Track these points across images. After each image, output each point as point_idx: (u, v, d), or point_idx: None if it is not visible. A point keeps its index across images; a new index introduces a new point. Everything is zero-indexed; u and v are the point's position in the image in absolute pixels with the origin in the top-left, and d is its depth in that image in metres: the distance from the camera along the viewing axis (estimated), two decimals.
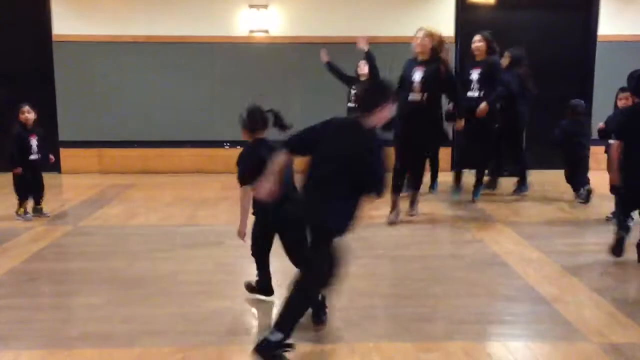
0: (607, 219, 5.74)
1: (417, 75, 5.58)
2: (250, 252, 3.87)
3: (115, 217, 6.13)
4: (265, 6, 8.55)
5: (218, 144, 8.81)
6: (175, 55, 8.59)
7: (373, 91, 3.23)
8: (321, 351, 3.17)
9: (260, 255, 3.79)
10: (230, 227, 5.68)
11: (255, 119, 3.74)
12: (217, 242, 5.16)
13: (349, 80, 7.24)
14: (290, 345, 2.99)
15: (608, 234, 5.03)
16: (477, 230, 5.58)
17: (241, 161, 3.70)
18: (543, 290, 4.00)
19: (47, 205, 6.18)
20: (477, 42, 6.65)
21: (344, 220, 3.02)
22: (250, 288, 3.94)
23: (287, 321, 2.99)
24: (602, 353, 3.14)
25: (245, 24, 8.63)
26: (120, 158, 8.77)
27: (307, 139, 3.13)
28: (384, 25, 8.51)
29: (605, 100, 6.82)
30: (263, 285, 3.86)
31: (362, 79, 7.00)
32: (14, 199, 5.99)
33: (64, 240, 5.28)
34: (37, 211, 6.08)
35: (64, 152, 8.65)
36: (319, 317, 3.42)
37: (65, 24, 8.50)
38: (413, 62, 5.73)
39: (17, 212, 5.94)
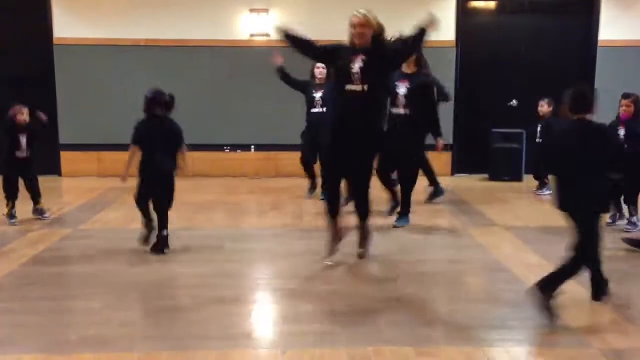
0: (607, 224, 5.72)
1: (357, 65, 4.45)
2: None
3: (114, 221, 6.11)
4: (266, 10, 8.55)
5: (218, 147, 8.80)
6: (175, 59, 8.58)
7: (587, 93, 3.82)
8: (320, 355, 3.15)
9: (144, 206, 5.10)
10: (230, 231, 5.71)
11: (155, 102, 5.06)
12: (216, 246, 5.15)
13: (306, 85, 7.04)
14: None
15: (608, 240, 5.02)
16: (477, 234, 5.56)
17: (137, 129, 5.08)
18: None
19: (45, 208, 6.15)
20: None
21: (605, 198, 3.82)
22: (154, 248, 4.92)
23: (555, 281, 3.62)
24: (604, 358, 3.12)
25: (246, 27, 8.63)
26: (120, 161, 8.59)
27: None
28: (386, 29, 8.48)
29: (605, 104, 6.78)
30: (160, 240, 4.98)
31: (320, 82, 6.91)
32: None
33: (62, 244, 5.27)
34: (38, 212, 6.06)
35: (64, 155, 8.65)
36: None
37: (66, 27, 8.50)
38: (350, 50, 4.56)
39: (4, 214, 5.91)
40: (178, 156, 5.10)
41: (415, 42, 4.67)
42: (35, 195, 6.06)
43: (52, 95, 8.53)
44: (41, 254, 4.92)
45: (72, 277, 4.49)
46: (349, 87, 4.43)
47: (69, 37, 8.49)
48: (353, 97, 4.45)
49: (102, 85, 8.59)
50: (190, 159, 9.21)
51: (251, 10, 8.56)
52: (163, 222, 5.02)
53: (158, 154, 4.98)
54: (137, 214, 6.38)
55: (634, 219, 5.69)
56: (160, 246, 4.96)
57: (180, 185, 8.14)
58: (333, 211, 4.70)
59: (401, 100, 5.71)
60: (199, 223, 6.04)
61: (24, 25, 8.58)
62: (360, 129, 4.48)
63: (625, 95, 5.69)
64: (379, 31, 4.55)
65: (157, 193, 5.05)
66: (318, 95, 6.97)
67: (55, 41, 8.51)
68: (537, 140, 7.57)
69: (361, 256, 4.76)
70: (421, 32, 4.52)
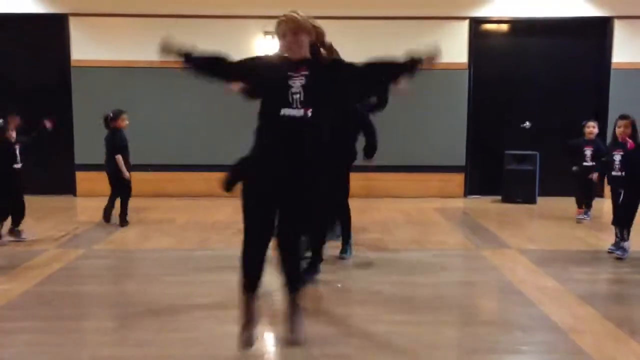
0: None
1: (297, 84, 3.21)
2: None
3: (128, 241, 6.15)
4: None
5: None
6: (189, 81, 8.58)
7: None
8: None
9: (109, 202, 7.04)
10: None
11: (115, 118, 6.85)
12: (229, 267, 5.13)
13: None
14: None
15: (624, 263, 4.99)
16: (491, 257, 5.54)
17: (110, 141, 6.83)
18: (559, 319, 3.95)
19: (59, 228, 6.20)
20: None
21: None
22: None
23: None
24: None
25: (260, 50, 8.72)
26: (134, 182, 8.79)
27: None
28: (398, 52, 8.55)
29: None
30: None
31: None
32: (26, 222, 6.02)
33: (77, 264, 5.30)
34: (15, 234, 5.96)
35: (79, 175, 8.74)
36: None
37: (83, 49, 8.65)
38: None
39: None
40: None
41: (396, 73, 3.43)
42: (18, 215, 5.95)
43: (68, 115, 8.65)
44: (56, 274, 4.95)
45: (87, 296, 4.51)
46: (286, 111, 3.20)
47: (86, 59, 8.64)
48: (292, 125, 3.20)
49: (118, 106, 8.65)
50: (206, 180, 9.31)
51: (265, 33, 8.66)
52: (122, 210, 6.86)
53: (106, 158, 6.83)
54: (150, 233, 6.50)
55: (626, 244, 5.50)
56: (122, 224, 6.78)
57: (193, 205, 8.23)
58: (254, 283, 3.31)
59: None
60: (211, 243, 6.06)
61: (43, 48, 8.75)
62: (303, 169, 3.25)
63: (623, 117, 5.54)
64: (319, 38, 3.35)
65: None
66: None
67: (72, 63, 8.65)
68: (587, 164, 7.11)
69: (293, 342, 3.39)
70: (412, 64, 3.31)
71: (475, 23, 8.78)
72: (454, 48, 8.73)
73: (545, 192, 8.42)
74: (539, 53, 8.89)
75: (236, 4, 8.62)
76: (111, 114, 6.76)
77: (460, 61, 8.74)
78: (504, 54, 8.94)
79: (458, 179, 8.96)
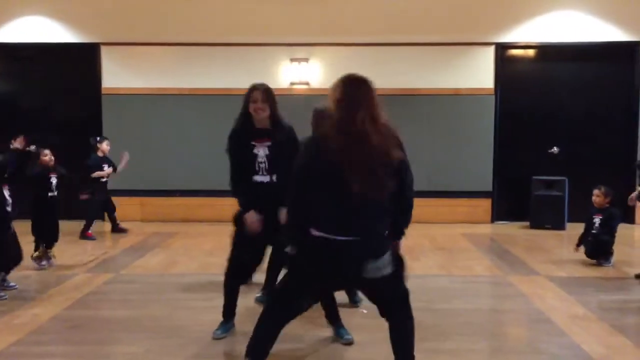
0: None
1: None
2: None
3: (156, 266, 6.20)
4: (306, 60, 8.75)
5: None
6: (217, 107, 8.78)
7: None
8: None
9: None
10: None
11: None
12: (256, 292, 5.16)
13: None
14: None
15: None
16: (519, 284, 5.46)
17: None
18: (590, 349, 3.87)
19: (89, 253, 6.27)
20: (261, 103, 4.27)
21: None
22: None
23: None
24: None
25: (287, 76, 8.82)
26: (162, 207, 8.93)
27: None
28: (425, 78, 8.62)
29: None
30: None
31: None
32: (57, 247, 6.11)
33: (105, 288, 5.36)
34: (46, 256, 6.00)
35: None
36: None
37: (114, 78, 8.84)
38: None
39: (31, 256, 5.85)
40: None
41: None
42: (51, 238, 6.04)
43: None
44: (85, 298, 5.01)
45: (115, 321, 4.55)
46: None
47: (117, 87, 8.82)
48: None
49: (146, 132, 8.84)
50: (236, 205, 9.34)
51: (292, 60, 8.77)
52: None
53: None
54: (178, 258, 6.55)
55: None
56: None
57: (221, 230, 8.25)
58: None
59: (263, 163, 4.24)
60: None
61: (75, 75, 8.98)
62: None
63: None
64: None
65: None
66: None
67: (103, 91, 8.85)
68: (595, 231, 6.24)
69: None
70: None
71: (502, 48, 8.78)
72: (480, 73, 8.73)
73: (575, 218, 8.28)
74: (566, 78, 8.83)
75: (264, 32, 8.74)
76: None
77: (486, 86, 8.73)
78: (530, 79, 8.90)
79: (485, 205, 8.88)
